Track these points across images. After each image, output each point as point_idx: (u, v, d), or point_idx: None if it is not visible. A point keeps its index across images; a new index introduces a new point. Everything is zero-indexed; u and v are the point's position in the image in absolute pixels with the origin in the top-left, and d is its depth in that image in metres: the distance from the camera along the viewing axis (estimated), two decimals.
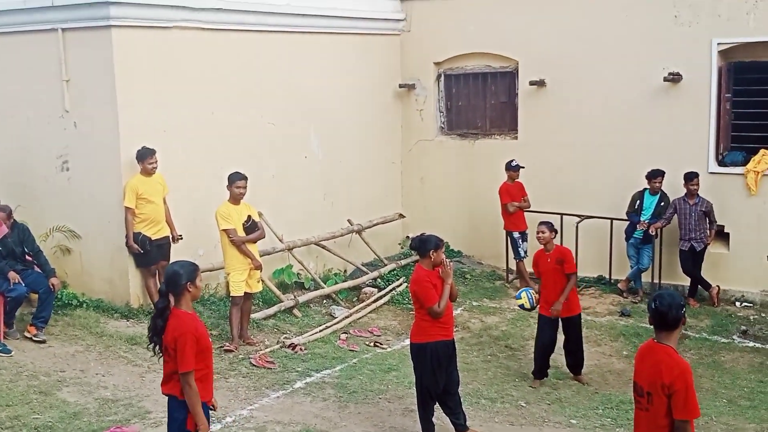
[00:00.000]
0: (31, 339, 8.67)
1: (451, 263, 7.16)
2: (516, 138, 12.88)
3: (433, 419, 7.23)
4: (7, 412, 7.07)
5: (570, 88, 12.27)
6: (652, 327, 4.90)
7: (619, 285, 11.78)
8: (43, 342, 8.66)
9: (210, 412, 5.49)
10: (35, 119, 10.01)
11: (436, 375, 7.09)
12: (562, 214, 11.94)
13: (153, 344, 5.37)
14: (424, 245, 7.11)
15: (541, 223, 8.98)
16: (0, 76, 10.21)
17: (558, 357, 9.67)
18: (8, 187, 9.86)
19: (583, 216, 11.91)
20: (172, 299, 5.23)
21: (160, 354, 5.36)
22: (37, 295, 8.90)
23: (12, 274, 8.52)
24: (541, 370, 9.04)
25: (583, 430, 7.77)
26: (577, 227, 11.84)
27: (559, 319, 8.89)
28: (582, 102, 12.19)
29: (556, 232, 9.08)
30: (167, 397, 5.40)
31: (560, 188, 12.35)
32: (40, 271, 8.92)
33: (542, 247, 8.88)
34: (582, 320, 9.23)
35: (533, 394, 8.71)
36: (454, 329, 10.44)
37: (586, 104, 12.16)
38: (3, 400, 7.26)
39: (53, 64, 9.73)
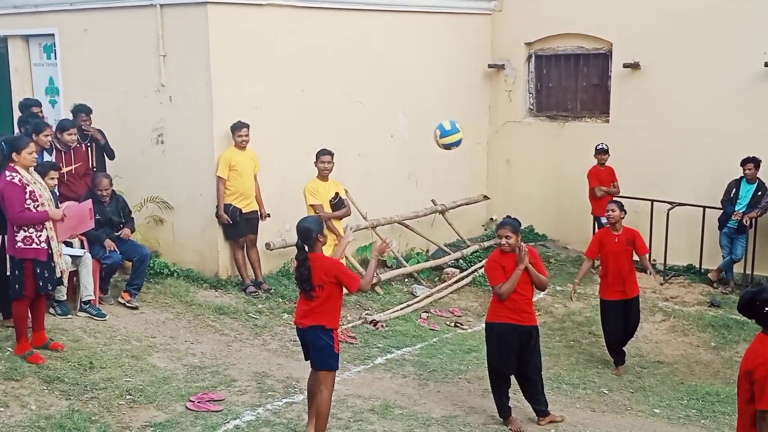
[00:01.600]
0: (124, 305, 8.98)
1: (526, 249, 6.95)
2: (607, 121, 12.63)
3: (510, 404, 7.19)
4: (101, 374, 7.36)
5: (666, 72, 11.93)
6: (741, 318, 4.77)
7: (709, 275, 11.45)
8: (136, 308, 8.96)
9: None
10: (132, 93, 10.32)
11: (503, 357, 7.05)
12: (652, 201, 11.67)
13: (304, 290, 6.24)
14: (498, 227, 7.16)
15: (612, 201, 8.94)
16: (100, 50, 10.55)
17: (642, 345, 9.53)
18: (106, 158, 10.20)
19: (674, 203, 11.61)
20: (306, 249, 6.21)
21: (311, 295, 6.18)
22: (131, 263, 9.21)
23: (108, 242, 8.84)
24: (618, 356, 8.92)
25: (666, 420, 7.63)
26: (667, 214, 11.55)
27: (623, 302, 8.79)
28: (678, 86, 11.84)
29: (625, 212, 8.96)
30: (308, 329, 6.25)
31: (652, 174, 12.05)
32: (134, 240, 9.23)
33: (608, 226, 8.78)
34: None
35: (616, 382, 8.60)
36: (537, 313, 10.44)
37: (683, 88, 11.81)
38: (97, 362, 7.55)
39: (151, 40, 10.00)
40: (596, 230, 12.05)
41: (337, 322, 6.34)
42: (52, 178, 7.89)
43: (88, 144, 9.55)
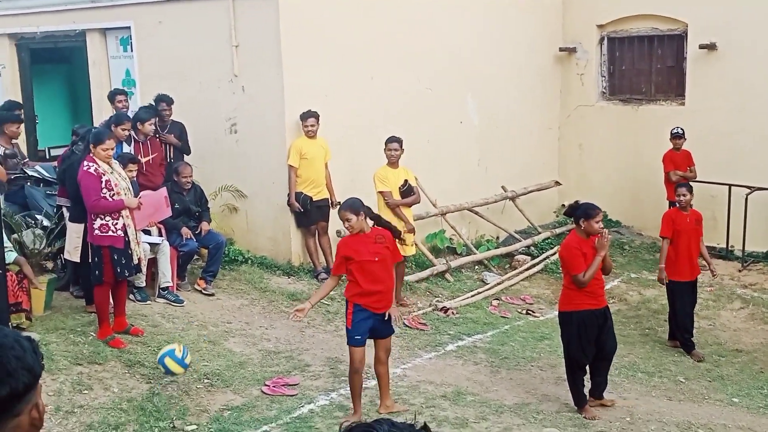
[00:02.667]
0: (200, 292, 9.19)
1: (609, 235, 6.90)
2: (683, 104, 12.33)
3: (585, 391, 7.14)
4: None
5: (743, 52, 11.58)
6: None
7: None
8: (212, 295, 9.16)
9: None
10: (206, 83, 10.51)
11: (582, 345, 6.99)
12: (730, 185, 11.37)
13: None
14: (574, 212, 7.02)
15: (681, 185, 8.95)
16: (174, 42, 10.77)
17: (720, 333, 9.32)
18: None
19: (753, 187, 11.27)
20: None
21: None
22: (207, 251, 9.42)
23: (185, 230, 9.05)
24: (690, 340, 8.78)
25: (746, 410, 7.46)
26: (746, 199, 11.23)
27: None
28: (756, 67, 11.49)
29: (692, 193, 8.91)
30: None
31: (729, 157, 11.73)
32: (211, 228, 9.43)
33: (677, 207, 8.80)
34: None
35: (693, 370, 8.44)
36: (611, 301, 10.32)
37: (761, 69, 11.45)
38: None
39: (223, 30, 10.16)
40: None
41: (351, 297, 6.53)
42: (131, 171, 8.15)
43: (164, 143, 9.76)
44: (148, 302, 8.67)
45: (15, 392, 2.13)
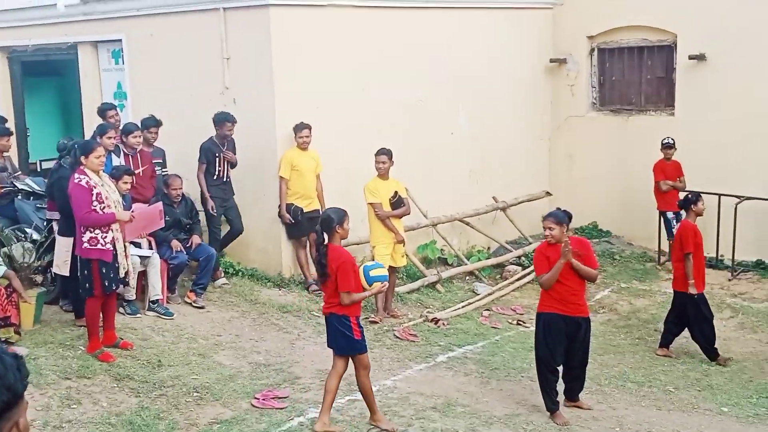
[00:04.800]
0: (190, 304, 9.18)
1: (569, 244, 6.87)
2: (673, 114, 12.40)
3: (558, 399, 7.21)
4: (168, 372, 7.54)
5: (733, 63, 11.66)
6: None
7: None
8: (202, 307, 9.15)
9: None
10: (197, 96, 10.53)
11: (549, 347, 7.09)
12: (719, 195, 11.41)
13: (320, 277, 6.57)
14: (543, 218, 7.22)
15: (698, 198, 8.96)
16: (165, 55, 10.80)
17: (722, 343, 9.32)
18: (174, 162, 10.43)
19: (742, 197, 11.33)
20: (326, 237, 6.44)
21: (327, 284, 6.46)
22: (197, 263, 9.42)
23: (175, 243, 9.05)
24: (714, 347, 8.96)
25: (735, 419, 7.47)
26: (735, 208, 11.28)
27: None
28: (745, 77, 11.57)
29: None
30: (328, 316, 6.56)
31: (719, 167, 11.79)
32: (201, 241, 9.43)
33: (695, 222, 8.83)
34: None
35: (682, 380, 8.45)
36: (601, 311, 10.34)
37: (750, 79, 11.54)
38: (165, 360, 7.75)
39: (215, 43, 10.20)
40: (662, 225, 11.86)
41: (353, 311, 6.46)
42: (126, 183, 8.17)
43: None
44: (138, 315, 8.66)
45: None
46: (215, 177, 9.87)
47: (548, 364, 7.16)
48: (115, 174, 8.11)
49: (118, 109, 10.28)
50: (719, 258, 11.58)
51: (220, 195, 9.92)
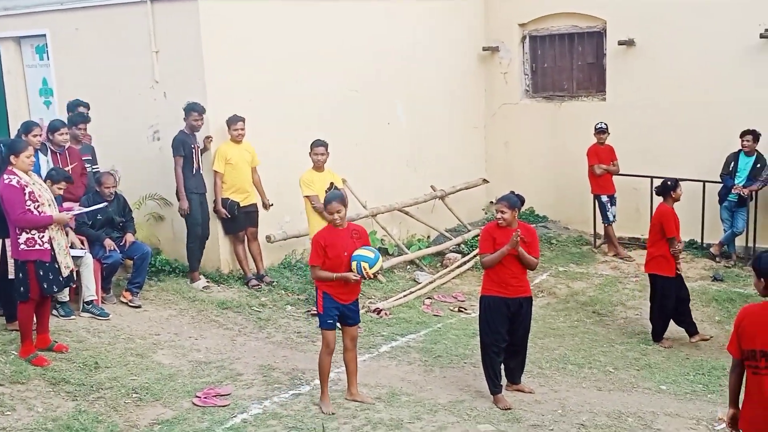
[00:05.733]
0: (126, 304, 8.98)
1: (518, 236, 6.95)
2: (604, 99, 12.60)
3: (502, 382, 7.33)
4: (106, 374, 7.36)
5: (661, 47, 11.90)
6: (745, 292, 4.76)
7: (711, 249, 11.46)
8: (138, 307, 8.95)
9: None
10: (128, 90, 10.28)
11: (491, 328, 7.20)
12: (652, 177, 11.62)
13: None
14: (495, 201, 7.36)
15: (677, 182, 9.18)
16: (92, 49, 10.51)
17: (647, 322, 9.50)
18: (105, 156, 10.17)
19: (674, 179, 11.54)
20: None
21: None
22: (132, 262, 9.21)
23: (108, 242, 8.82)
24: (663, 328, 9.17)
25: (673, 396, 7.64)
26: None
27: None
28: (674, 61, 11.81)
29: None
30: None
31: (650, 150, 12.03)
32: (136, 239, 9.21)
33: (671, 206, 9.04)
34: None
35: (622, 360, 8.61)
36: (539, 294, 10.46)
37: (678, 63, 11.79)
38: (102, 362, 7.55)
39: (143, 36, 9.96)
40: (596, 209, 12.05)
41: (322, 285, 6.82)
42: (61, 188, 7.99)
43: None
44: (72, 317, 8.41)
45: None
46: (194, 171, 9.61)
47: (493, 345, 7.23)
48: (55, 177, 7.98)
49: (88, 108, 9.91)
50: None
51: (201, 190, 9.69)
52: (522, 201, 7.27)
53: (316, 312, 7.33)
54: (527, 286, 7.33)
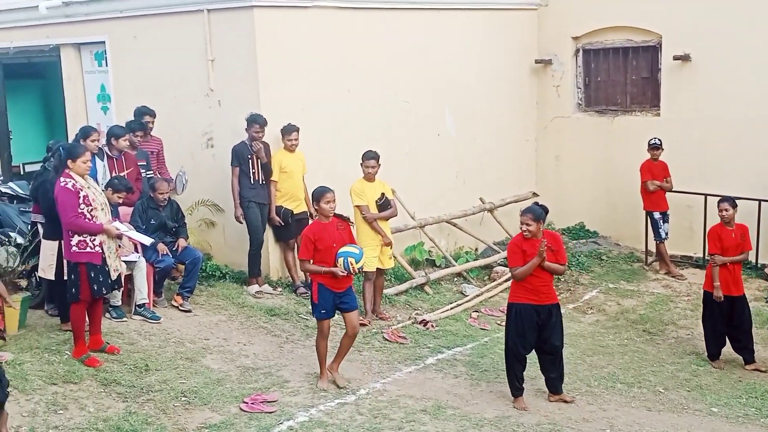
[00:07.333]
0: (177, 308, 9.10)
1: (545, 247, 7.10)
2: (658, 114, 12.42)
3: (524, 385, 7.47)
4: (156, 376, 7.46)
5: (717, 62, 11.71)
6: None
7: (766, 270, 11.21)
8: (189, 311, 9.06)
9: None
10: (182, 98, 10.45)
11: (519, 336, 7.35)
12: (706, 195, 11.44)
13: None
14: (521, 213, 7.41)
15: (723, 200, 8.88)
16: (149, 56, 10.70)
17: (699, 342, 9.33)
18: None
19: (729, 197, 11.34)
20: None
21: None
22: (184, 267, 9.33)
23: (161, 246, 8.96)
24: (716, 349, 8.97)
25: (725, 419, 7.48)
26: None
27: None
28: (730, 76, 11.61)
29: (736, 207, 8.87)
30: None
31: (705, 167, 11.84)
32: (188, 244, 9.34)
33: (720, 222, 8.80)
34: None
35: (672, 380, 8.46)
36: (589, 311, 10.36)
37: (735, 78, 11.58)
38: (153, 364, 7.66)
39: (199, 45, 10.11)
40: (648, 226, 11.88)
41: (317, 277, 7.41)
42: (120, 197, 8.22)
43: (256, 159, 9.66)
44: (124, 320, 8.56)
45: None
46: (252, 180, 9.73)
47: (516, 353, 7.41)
48: (117, 186, 8.26)
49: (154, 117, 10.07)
50: (706, 258, 11.58)
51: (260, 200, 9.79)
52: (546, 212, 7.38)
53: (310, 299, 7.79)
54: (554, 294, 7.52)
